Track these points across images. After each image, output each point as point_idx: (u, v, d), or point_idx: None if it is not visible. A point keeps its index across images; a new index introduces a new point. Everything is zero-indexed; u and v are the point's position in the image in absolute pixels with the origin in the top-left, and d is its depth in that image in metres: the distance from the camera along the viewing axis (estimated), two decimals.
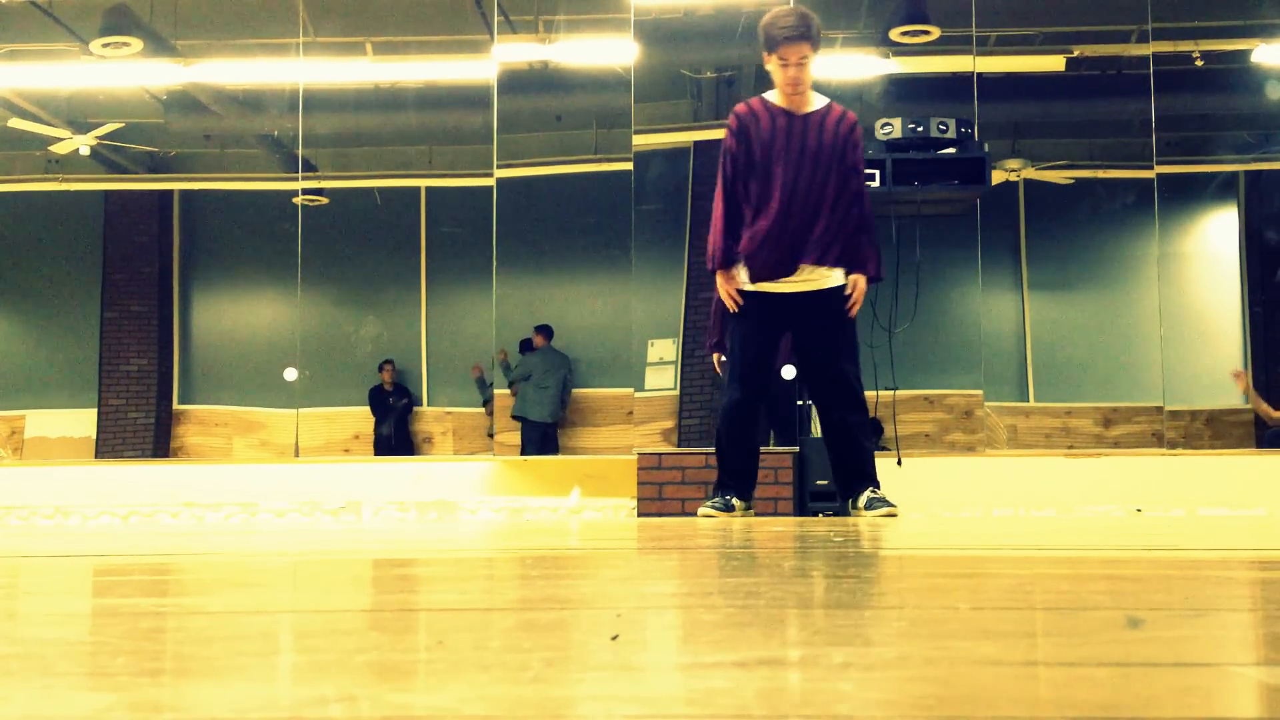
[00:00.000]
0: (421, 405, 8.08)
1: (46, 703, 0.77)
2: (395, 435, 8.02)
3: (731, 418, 5.11)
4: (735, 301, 5.03)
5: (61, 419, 8.16)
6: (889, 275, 7.08)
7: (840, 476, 5.14)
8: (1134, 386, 7.32)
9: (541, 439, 7.70)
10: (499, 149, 7.65)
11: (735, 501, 5.12)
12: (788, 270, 4.97)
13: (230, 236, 8.46)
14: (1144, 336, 7.35)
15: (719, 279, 5.08)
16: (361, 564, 2.42)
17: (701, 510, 5.15)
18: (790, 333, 5.14)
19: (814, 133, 5.00)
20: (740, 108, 5.09)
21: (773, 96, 5.09)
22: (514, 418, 7.69)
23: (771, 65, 5.02)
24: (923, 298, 7.14)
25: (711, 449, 6.36)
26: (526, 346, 7.73)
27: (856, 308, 5.03)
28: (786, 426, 6.89)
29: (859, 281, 5.02)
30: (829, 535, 3.16)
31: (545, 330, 7.75)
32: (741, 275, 5.04)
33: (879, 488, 5.06)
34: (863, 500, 5.03)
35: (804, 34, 4.95)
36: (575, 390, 7.80)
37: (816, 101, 5.07)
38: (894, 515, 4.95)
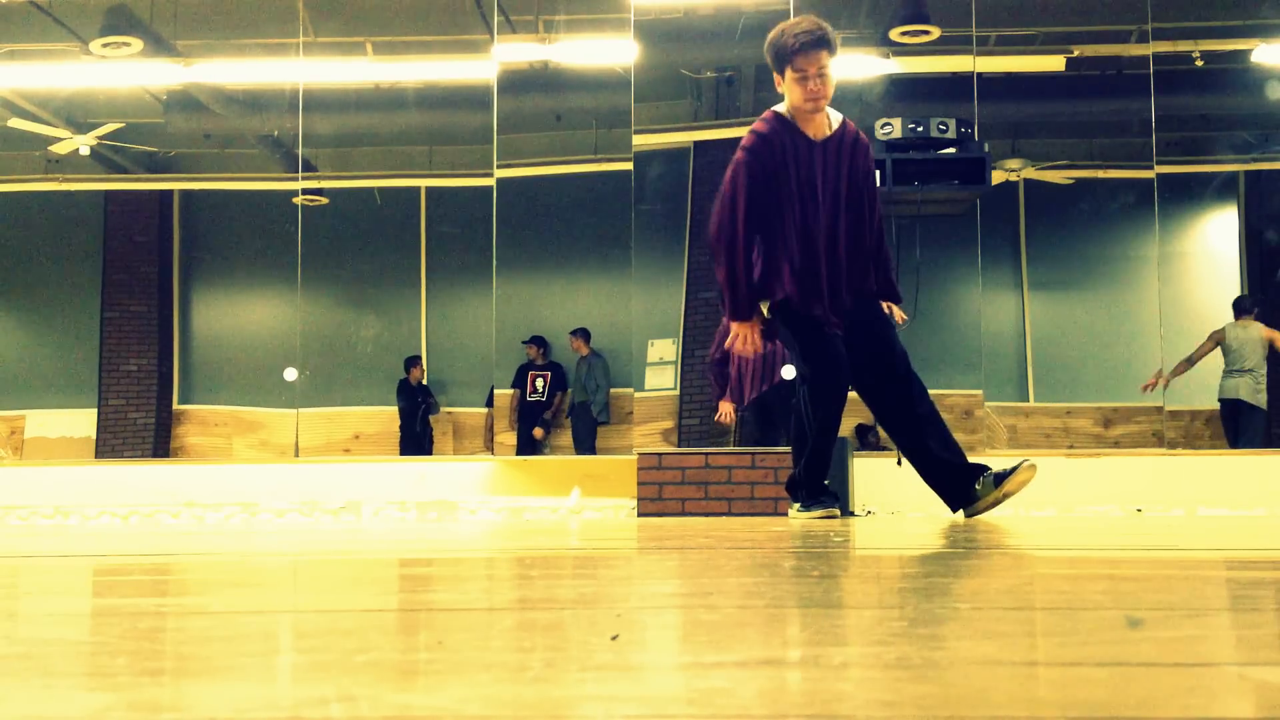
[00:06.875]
0: (437, 408, 8.09)
1: (46, 703, 0.77)
2: (419, 432, 8.05)
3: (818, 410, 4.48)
4: (756, 349, 4.52)
5: (61, 419, 8.15)
6: None
7: (945, 481, 4.64)
8: (1134, 386, 7.31)
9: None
10: (499, 149, 7.65)
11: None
12: (838, 311, 4.49)
13: (230, 236, 8.46)
14: (1144, 336, 7.34)
15: (742, 328, 4.49)
16: (361, 564, 2.42)
17: (802, 514, 4.61)
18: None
19: (843, 162, 4.48)
20: (761, 127, 4.48)
21: (787, 115, 4.49)
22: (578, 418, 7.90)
23: (787, 83, 4.42)
24: (923, 298, 7.13)
25: (709, 449, 6.36)
26: (539, 342, 7.80)
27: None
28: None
29: (895, 311, 4.67)
30: (829, 535, 3.16)
31: (584, 334, 7.83)
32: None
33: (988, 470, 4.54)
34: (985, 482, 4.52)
35: (821, 39, 4.34)
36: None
37: (831, 120, 4.52)
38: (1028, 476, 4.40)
